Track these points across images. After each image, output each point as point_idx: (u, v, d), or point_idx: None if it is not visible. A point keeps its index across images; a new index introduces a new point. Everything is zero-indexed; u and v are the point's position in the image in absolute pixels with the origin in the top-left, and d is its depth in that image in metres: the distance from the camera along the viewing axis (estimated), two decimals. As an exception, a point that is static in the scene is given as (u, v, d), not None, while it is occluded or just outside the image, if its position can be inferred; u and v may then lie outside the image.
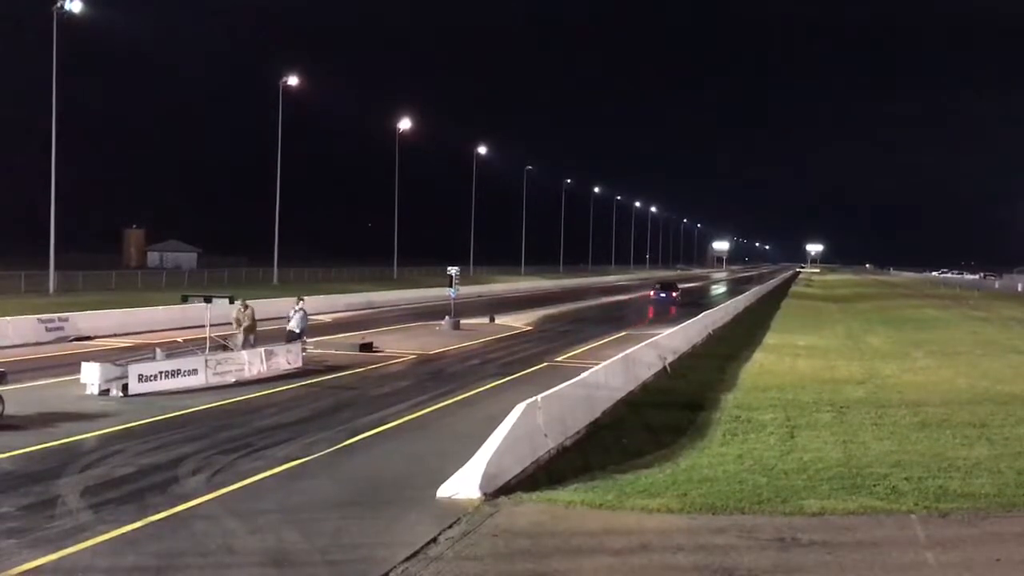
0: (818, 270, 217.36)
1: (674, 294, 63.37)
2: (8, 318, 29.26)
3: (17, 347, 26.76)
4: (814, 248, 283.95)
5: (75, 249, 74.16)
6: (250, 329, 23.98)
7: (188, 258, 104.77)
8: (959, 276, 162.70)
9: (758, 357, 27.71)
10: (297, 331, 25.46)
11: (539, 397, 14.00)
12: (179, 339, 25.93)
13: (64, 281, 51.59)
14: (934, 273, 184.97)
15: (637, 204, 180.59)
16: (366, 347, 27.98)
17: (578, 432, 15.27)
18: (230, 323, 24.40)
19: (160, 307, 35.90)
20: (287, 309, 27.57)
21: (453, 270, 38.86)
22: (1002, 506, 11.43)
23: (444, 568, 9.10)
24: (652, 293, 65.48)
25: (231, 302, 23.36)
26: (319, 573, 9.15)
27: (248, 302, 24.65)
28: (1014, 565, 9.35)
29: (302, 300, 26.95)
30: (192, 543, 9.85)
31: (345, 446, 14.75)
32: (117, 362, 19.69)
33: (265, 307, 31.73)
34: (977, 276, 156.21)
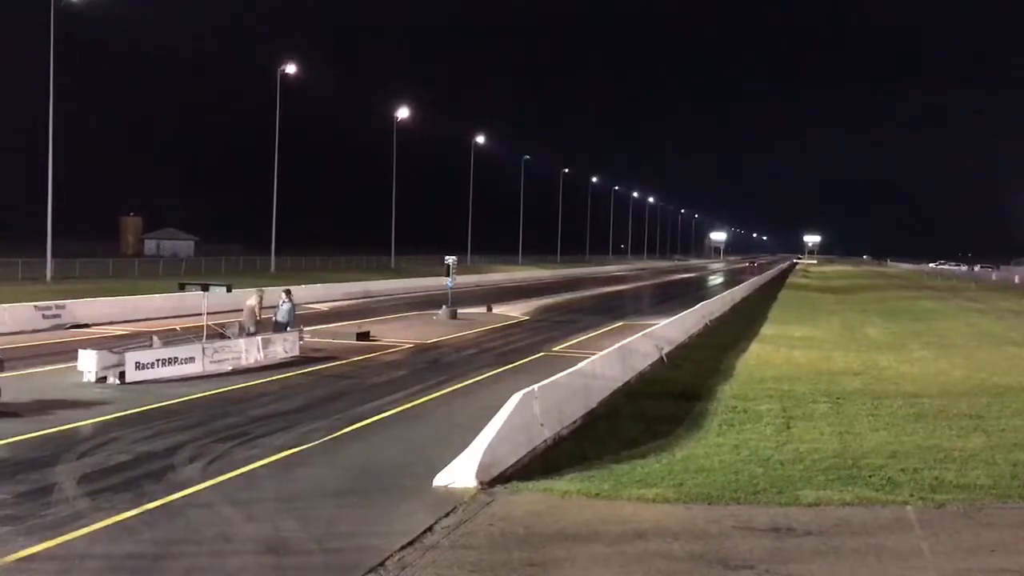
0: (815, 261, 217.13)
1: (756, 264, 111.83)
2: (5, 305, 29.22)
3: (14, 334, 26.71)
4: (811, 239, 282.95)
5: (72, 237, 74.03)
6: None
7: (185, 246, 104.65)
8: (956, 268, 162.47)
9: (755, 348, 27.69)
10: (283, 322, 24.97)
11: (536, 386, 14.00)
12: (176, 327, 25.91)
13: (61, 268, 51.58)
14: (931, 265, 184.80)
15: (635, 194, 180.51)
16: (363, 336, 27.97)
17: (575, 422, 15.28)
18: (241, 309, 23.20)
19: (157, 295, 35.87)
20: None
21: (450, 259, 38.78)
22: (997, 497, 11.43)
23: (440, 557, 9.11)
24: (748, 263, 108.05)
25: (228, 291, 22.68)
26: (315, 561, 9.15)
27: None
28: (1009, 556, 9.36)
29: (289, 292, 26.09)
30: (188, 531, 9.86)
31: (342, 435, 14.75)
32: (114, 350, 19.66)
33: (271, 295, 31.28)
34: (968, 268, 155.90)
